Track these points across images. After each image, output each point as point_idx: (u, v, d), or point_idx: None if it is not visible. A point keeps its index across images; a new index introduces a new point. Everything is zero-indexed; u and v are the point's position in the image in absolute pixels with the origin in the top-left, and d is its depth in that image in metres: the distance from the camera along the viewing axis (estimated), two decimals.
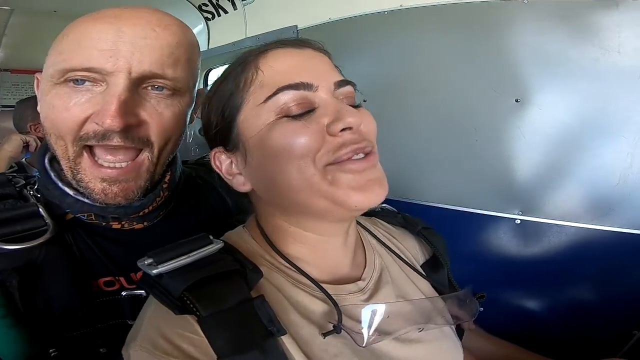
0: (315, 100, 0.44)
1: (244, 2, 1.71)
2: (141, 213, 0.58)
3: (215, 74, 2.15)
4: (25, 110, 1.56)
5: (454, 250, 0.78)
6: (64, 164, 0.53)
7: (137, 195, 0.54)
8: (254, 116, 0.45)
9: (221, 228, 0.69)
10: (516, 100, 0.93)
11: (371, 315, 0.43)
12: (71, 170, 0.53)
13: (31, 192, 0.56)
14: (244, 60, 0.49)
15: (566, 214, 0.91)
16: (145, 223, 0.60)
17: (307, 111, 0.44)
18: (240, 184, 0.49)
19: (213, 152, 0.51)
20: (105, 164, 0.52)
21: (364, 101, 1.15)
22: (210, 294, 0.39)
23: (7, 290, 0.48)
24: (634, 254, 0.87)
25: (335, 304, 0.44)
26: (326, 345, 0.43)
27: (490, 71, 0.96)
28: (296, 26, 1.50)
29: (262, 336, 0.38)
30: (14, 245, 0.49)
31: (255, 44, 1.73)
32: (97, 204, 0.54)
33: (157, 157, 0.55)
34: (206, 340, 0.37)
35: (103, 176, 0.51)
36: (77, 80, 0.49)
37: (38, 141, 1.46)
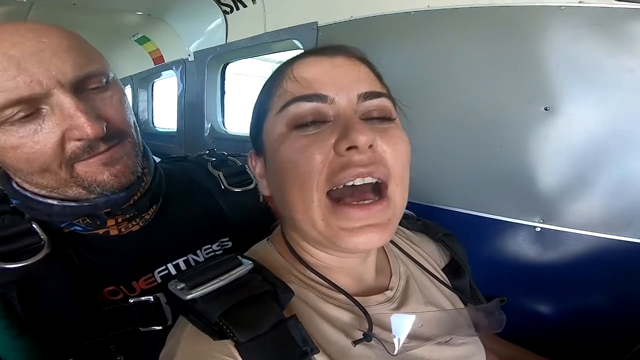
0: (330, 113, 0.40)
1: None
2: (131, 201, 0.55)
3: (232, 68, 2.05)
4: None
5: (473, 255, 0.73)
6: (58, 188, 0.50)
7: (135, 176, 0.53)
8: (272, 125, 0.43)
9: (216, 233, 0.65)
10: (545, 109, 0.86)
11: (403, 324, 0.41)
12: (74, 186, 0.50)
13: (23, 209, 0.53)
14: (280, 67, 0.46)
15: (587, 224, 0.86)
16: (140, 222, 0.58)
17: (318, 125, 0.40)
18: (264, 187, 0.48)
19: (250, 153, 0.50)
20: (97, 152, 0.49)
21: None
22: (246, 318, 0.36)
23: (8, 302, 0.46)
24: None
25: (365, 312, 0.42)
26: (361, 356, 0.41)
27: (520, 78, 0.89)
28: (316, 23, 1.41)
29: (297, 357, 0.36)
30: (13, 263, 0.47)
31: (274, 40, 1.64)
32: (86, 204, 0.52)
33: (137, 142, 0.54)
34: None
35: (103, 161, 0.49)
36: (19, 118, 0.44)
37: None
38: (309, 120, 0.40)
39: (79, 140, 0.46)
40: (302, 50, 1.45)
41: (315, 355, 0.38)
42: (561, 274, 0.90)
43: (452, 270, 0.60)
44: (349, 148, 0.37)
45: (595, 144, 0.84)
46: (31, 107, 0.44)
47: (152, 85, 2.93)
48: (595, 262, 0.87)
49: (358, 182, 0.38)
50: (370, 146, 0.38)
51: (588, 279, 0.89)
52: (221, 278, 0.39)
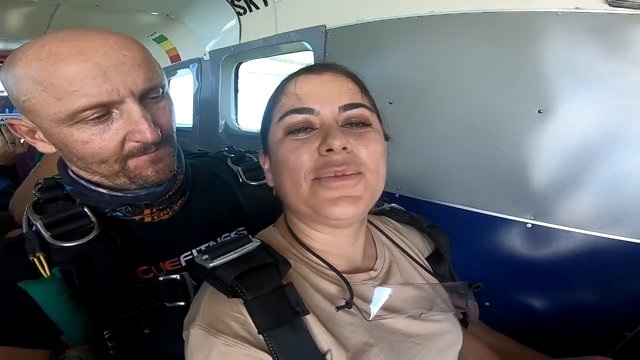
0: (317, 122, 0.49)
1: None
2: (167, 196, 0.63)
3: (245, 67, 2.12)
4: None
5: (465, 249, 0.77)
6: (109, 176, 0.57)
7: (172, 173, 0.60)
8: (274, 131, 0.52)
9: (234, 223, 0.73)
10: (539, 111, 0.90)
11: (379, 294, 0.49)
12: (122, 176, 0.57)
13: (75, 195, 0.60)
14: (281, 83, 0.55)
15: (577, 221, 0.90)
16: (170, 212, 0.65)
17: (307, 132, 0.49)
18: (270, 180, 0.58)
19: (259, 152, 0.60)
20: (148, 152, 0.56)
21: (390, 103, 1.12)
22: (253, 282, 0.45)
23: (68, 278, 0.52)
24: (633, 261, 0.86)
25: (347, 284, 0.50)
26: (344, 322, 0.48)
27: (516, 81, 0.93)
28: (325, 26, 1.46)
29: (291, 315, 0.44)
30: (70, 242, 0.54)
31: (285, 41, 1.70)
32: (130, 195, 0.59)
33: (176, 146, 0.62)
34: (249, 319, 0.44)
35: (151, 159, 0.56)
36: (94, 118, 0.51)
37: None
38: (300, 128, 0.49)
39: (137, 142, 0.54)
40: (311, 51, 1.50)
41: (306, 316, 0.46)
42: (551, 269, 0.94)
43: (436, 258, 0.66)
44: (328, 150, 0.46)
45: (586, 145, 0.87)
46: (105, 110, 0.51)
47: (169, 82, 3.01)
48: (584, 258, 0.90)
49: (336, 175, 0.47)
50: (345, 148, 0.46)
51: (577, 274, 0.92)
52: (235, 251, 0.48)
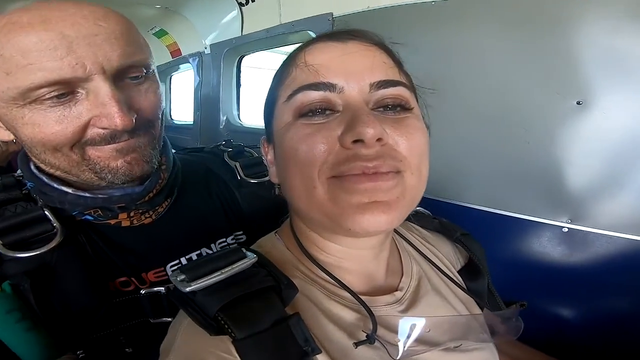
0: (339, 102, 0.37)
1: None
2: (147, 198, 0.53)
3: (247, 61, 2.03)
4: None
5: (496, 255, 0.67)
6: (70, 170, 0.48)
7: (150, 166, 0.50)
8: (281, 113, 0.40)
9: (231, 226, 0.62)
10: (578, 103, 0.80)
11: (408, 327, 0.38)
12: (87, 170, 0.47)
13: (36, 195, 0.51)
14: (291, 53, 0.43)
15: (618, 225, 0.80)
16: (153, 215, 0.55)
17: (326, 115, 0.37)
18: (273, 174, 0.46)
19: (262, 139, 0.48)
20: (116, 141, 0.47)
21: None
22: (245, 314, 0.34)
23: (21, 294, 0.45)
24: None
25: (370, 312, 0.39)
26: (364, 358, 0.38)
27: (550, 71, 0.83)
28: (332, 13, 1.36)
29: (298, 357, 0.34)
30: (25, 252, 0.45)
31: (289, 31, 1.59)
32: (101, 196, 0.50)
33: (158, 136, 0.52)
34: None
35: (117, 148, 0.46)
36: (52, 97, 0.42)
37: None
38: (316, 109, 0.37)
39: (103, 128, 0.44)
40: None
41: (317, 356, 0.35)
42: (589, 277, 0.85)
43: (469, 272, 0.55)
44: (356, 141, 0.34)
45: (630, 140, 0.78)
46: (67, 89, 0.42)
47: (170, 78, 2.95)
48: (626, 265, 0.81)
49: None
50: (379, 139, 0.34)
51: (618, 283, 0.83)
52: (223, 271, 0.37)
